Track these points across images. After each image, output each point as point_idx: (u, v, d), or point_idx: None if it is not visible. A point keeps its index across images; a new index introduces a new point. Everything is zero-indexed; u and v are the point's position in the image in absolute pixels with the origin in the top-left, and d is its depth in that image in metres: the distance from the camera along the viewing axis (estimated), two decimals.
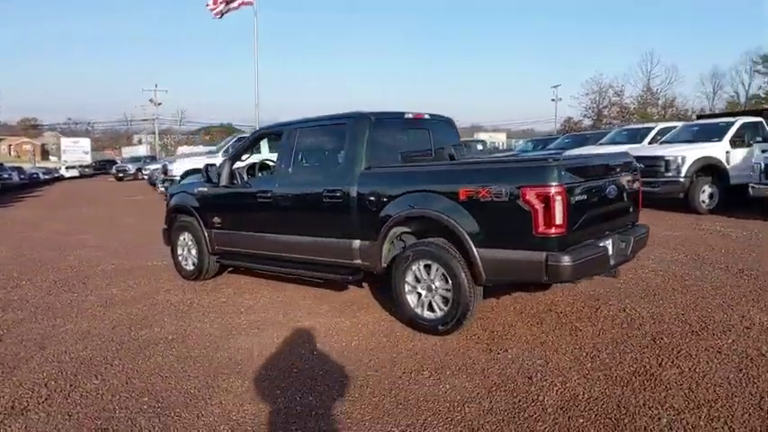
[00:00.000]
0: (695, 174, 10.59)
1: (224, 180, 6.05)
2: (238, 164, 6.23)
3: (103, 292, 6.33)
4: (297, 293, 5.89)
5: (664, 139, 12.59)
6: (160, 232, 7.20)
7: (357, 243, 4.89)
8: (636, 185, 4.85)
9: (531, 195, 3.80)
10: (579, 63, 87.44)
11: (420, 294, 4.51)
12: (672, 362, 3.73)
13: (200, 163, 14.96)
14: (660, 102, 48.94)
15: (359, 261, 4.94)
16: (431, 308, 4.47)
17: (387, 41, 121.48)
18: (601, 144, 14.70)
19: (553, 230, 3.78)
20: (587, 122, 49.14)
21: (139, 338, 4.70)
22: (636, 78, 50.35)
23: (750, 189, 9.70)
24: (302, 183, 5.37)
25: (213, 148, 17.64)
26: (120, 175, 38.11)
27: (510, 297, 5.27)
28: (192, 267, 6.66)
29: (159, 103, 59.43)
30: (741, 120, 11.40)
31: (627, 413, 3.07)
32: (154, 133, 64.67)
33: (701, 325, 4.43)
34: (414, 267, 4.51)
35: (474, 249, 4.09)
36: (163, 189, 15.76)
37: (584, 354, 3.95)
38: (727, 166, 10.81)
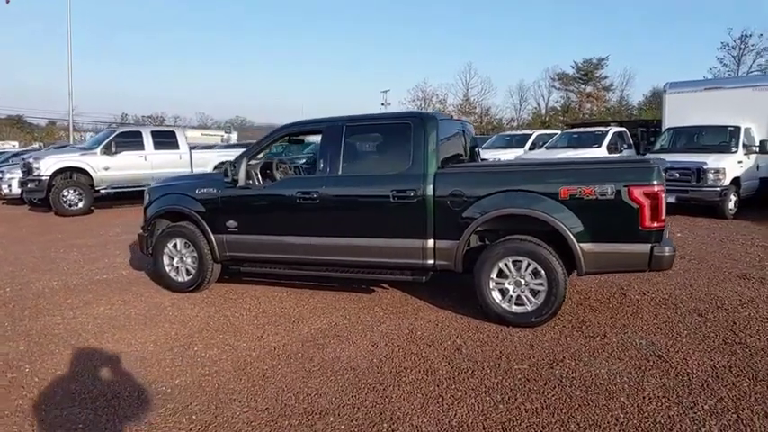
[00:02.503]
0: None
1: (242, 180, 5.55)
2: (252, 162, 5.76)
3: (91, 312, 5.37)
4: (328, 299, 5.64)
5: (547, 144, 14.28)
6: (55, 240, 6.26)
7: (431, 243, 4.90)
8: None
9: (638, 193, 4.26)
10: (407, 68, 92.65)
11: (506, 290, 4.71)
12: (741, 330, 4.48)
13: (73, 162, 13.10)
14: (477, 111, 54.64)
15: (432, 261, 4.95)
16: (518, 302, 4.69)
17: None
18: (485, 148, 16.07)
19: (656, 224, 4.29)
20: None
21: (222, 359, 4.17)
22: (457, 88, 55.37)
23: None
24: (360, 183, 5.18)
25: (86, 144, 15.35)
26: None
27: None
28: (185, 278, 5.95)
29: None
30: (612, 129, 13.48)
31: None
32: None
33: (716, 301, 5.31)
34: (500, 264, 4.69)
35: (576, 244, 4.43)
36: (16, 190, 13.32)
37: (667, 331, 4.52)
38: None
